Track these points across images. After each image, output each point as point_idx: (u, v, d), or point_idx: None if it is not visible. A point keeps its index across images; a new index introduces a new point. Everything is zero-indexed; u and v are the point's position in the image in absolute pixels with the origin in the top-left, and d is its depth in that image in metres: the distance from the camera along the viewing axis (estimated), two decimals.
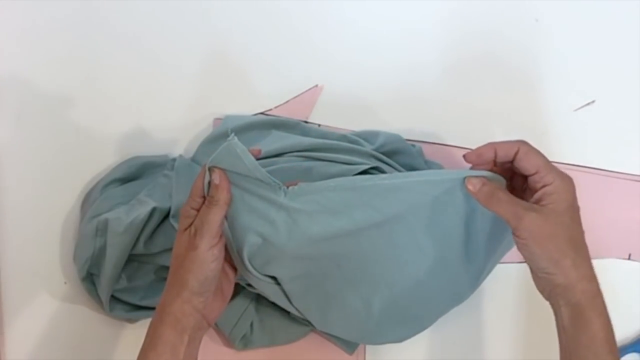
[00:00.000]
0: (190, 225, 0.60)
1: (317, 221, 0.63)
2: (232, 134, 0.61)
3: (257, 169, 0.61)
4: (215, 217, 0.60)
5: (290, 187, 0.62)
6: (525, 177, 0.61)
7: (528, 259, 0.59)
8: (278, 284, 0.66)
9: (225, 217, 0.61)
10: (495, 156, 0.61)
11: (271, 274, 0.65)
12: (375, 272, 0.66)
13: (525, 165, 0.60)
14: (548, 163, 0.60)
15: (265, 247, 0.63)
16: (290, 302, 0.68)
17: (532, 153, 0.60)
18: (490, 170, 0.63)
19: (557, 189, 0.59)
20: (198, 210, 0.61)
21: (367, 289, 0.67)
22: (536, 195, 0.59)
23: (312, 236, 0.63)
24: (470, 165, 0.63)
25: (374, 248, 0.65)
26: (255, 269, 0.64)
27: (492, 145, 0.62)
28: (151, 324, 0.61)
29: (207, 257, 0.59)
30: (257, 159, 0.71)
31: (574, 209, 0.60)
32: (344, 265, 0.65)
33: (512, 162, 0.61)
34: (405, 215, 0.64)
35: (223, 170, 0.60)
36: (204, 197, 0.61)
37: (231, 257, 0.65)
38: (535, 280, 0.60)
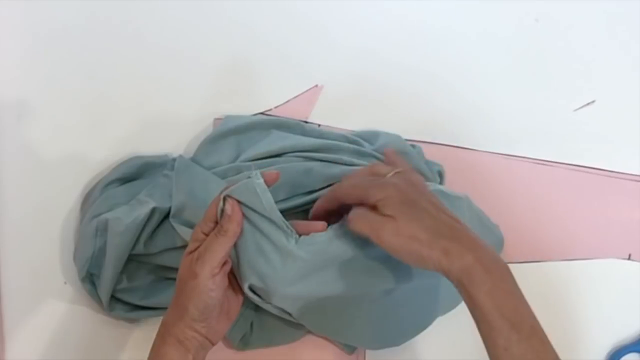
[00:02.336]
0: (195, 250, 0.60)
1: (321, 273, 0.63)
2: (256, 171, 0.60)
3: (273, 211, 0.60)
4: (220, 247, 0.59)
5: (302, 237, 0.62)
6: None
7: (410, 265, 0.59)
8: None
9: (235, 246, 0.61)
10: (328, 211, 0.65)
11: (273, 304, 0.66)
12: (374, 286, 0.67)
13: (350, 202, 0.62)
14: (362, 187, 0.61)
15: (266, 288, 0.63)
16: (290, 315, 0.69)
17: (347, 192, 0.62)
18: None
19: (383, 201, 0.59)
20: (207, 235, 0.60)
21: (364, 299, 0.68)
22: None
23: (313, 281, 0.63)
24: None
25: (374, 267, 0.65)
26: (258, 295, 0.65)
27: (318, 206, 0.65)
28: (154, 342, 0.60)
29: (206, 286, 0.59)
30: (258, 159, 0.72)
31: (409, 202, 0.59)
32: (343, 289, 0.65)
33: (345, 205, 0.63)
34: None
35: (238, 201, 0.60)
36: (216, 223, 0.60)
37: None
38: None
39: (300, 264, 0.62)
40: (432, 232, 0.58)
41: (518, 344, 0.55)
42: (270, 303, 0.65)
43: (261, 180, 0.60)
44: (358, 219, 0.60)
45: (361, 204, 0.61)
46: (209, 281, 0.59)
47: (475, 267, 0.57)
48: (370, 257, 0.64)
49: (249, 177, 0.60)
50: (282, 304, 0.66)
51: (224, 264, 0.60)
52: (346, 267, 0.64)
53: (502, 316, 0.56)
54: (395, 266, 0.64)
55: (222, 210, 0.60)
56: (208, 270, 0.59)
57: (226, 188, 0.61)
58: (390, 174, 0.62)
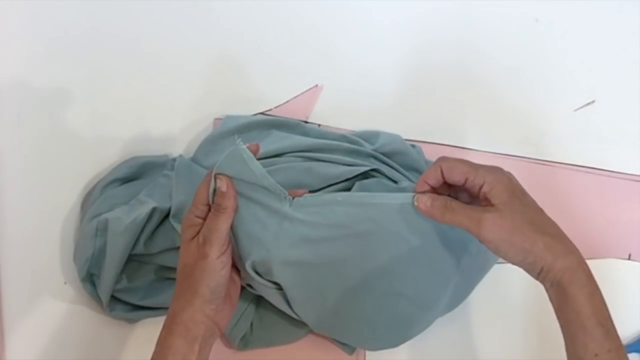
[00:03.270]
0: (197, 234, 0.60)
1: (319, 233, 0.63)
2: (238, 139, 0.60)
3: (264, 177, 0.61)
4: (223, 225, 0.60)
5: (296, 198, 0.62)
6: (467, 191, 0.61)
7: (505, 258, 0.59)
8: (280, 289, 0.66)
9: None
10: (431, 186, 0.61)
11: (273, 280, 0.65)
12: (371, 281, 0.67)
13: (454, 177, 0.60)
14: (472, 165, 0.60)
15: (267, 255, 0.63)
16: (291, 308, 0.68)
17: (454, 164, 0.60)
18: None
19: (492, 184, 0.58)
20: (203, 219, 0.60)
21: (363, 296, 0.67)
22: (481, 201, 0.59)
23: (312, 247, 0.63)
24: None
25: (371, 258, 0.65)
26: (258, 274, 0.64)
27: (422, 179, 0.62)
28: (160, 335, 0.60)
29: (217, 265, 0.59)
30: (258, 159, 0.72)
31: (518, 194, 0.59)
32: (341, 272, 0.65)
33: (445, 181, 0.61)
34: (403, 231, 0.64)
35: (229, 177, 0.60)
36: (209, 205, 0.61)
37: (235, 262, 0.65)
38: (523, 269, 0.60)
39: (298, 226, 0.62)
40: (537, 226, 0.58)
41: (609, 352, 0.56)
42: (272, 282, 0.65)
43: (245, 147, 0.60)
44: (454, 209, 0.59)
45: (461, 186, 0.60)
46: (218, 260, 0.59)
47: (579, 268, 0.57)
48: (380, 230, 0.63)
49: (234, 146, 0.60)
50: (283, 277, 0.65)
51: (229, 242, 0.61)
52: (352, 237, 0.63)
53: (599, 323, 0.56)
54: (396, 220, 0.63)
55: (215, 190, 0.60)
56: (217, 249, 0.59)
57: (212, 170, 0.61)
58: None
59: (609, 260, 0.77)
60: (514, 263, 0.59)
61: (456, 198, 0.62)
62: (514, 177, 0.60)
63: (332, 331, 0.71)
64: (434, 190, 0.62)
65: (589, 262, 0.76)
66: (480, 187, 0.59)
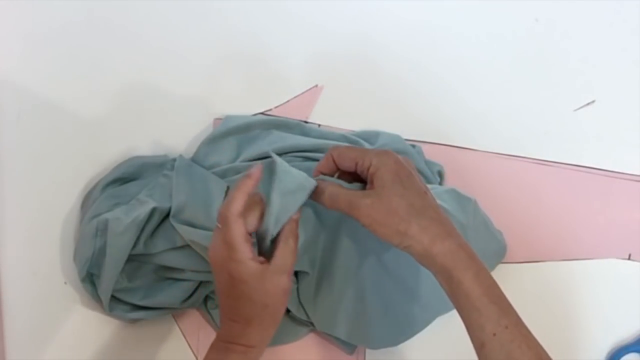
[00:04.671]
0: (263, 263, 0.58)
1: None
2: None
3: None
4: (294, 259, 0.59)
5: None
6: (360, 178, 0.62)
7: (387, 242, 0.58)
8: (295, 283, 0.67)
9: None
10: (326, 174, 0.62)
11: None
12: (373, 279, 0.67)
13: (345, 164, 0.61)
14: (362, 150, 0.60)
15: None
16: (300, 303, 0.69)
17: (343, 151, 0.61)
18: None
19: (377, 167, 0.58)
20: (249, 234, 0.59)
21: (365, 294, 0.68)
22: (368, 184, 0.59)
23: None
24: None
25: (372, 255, 0.65)
26: None
27: (317, 170, 0.62)
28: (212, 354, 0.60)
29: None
30: (258, 159, 0.72)
31: (402, 176, 0.59)
32: (349, 270, 0.65)
33: (338, 169, 0.62)
34: None
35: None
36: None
37: None
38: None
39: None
40: (415, 209, 0.57)
41: (506, 329, 0.55)
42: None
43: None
44: (334, 195, 0.59)
45: (350, 173, 0.61)
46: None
47: (459, 250, 0.56)
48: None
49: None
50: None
51: None
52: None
53: (491, 302, 0.56)
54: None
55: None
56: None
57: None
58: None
59: (609, 260, 0.77)
60: (395, 247, 0.58)
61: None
62: (405, 160, 0.60)
63: (333, 329, 0.71)
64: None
65: (589, 262, 0.77)
66: (368, 169, 0.59)
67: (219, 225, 0.58)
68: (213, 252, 0.59)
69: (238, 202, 0.57)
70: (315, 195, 0.61)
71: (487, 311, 0.55)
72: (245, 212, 0.58)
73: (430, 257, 0.56)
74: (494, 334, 0.55)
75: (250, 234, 0.59)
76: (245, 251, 0.57)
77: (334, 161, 0.61)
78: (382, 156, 0.59)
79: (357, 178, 0.62)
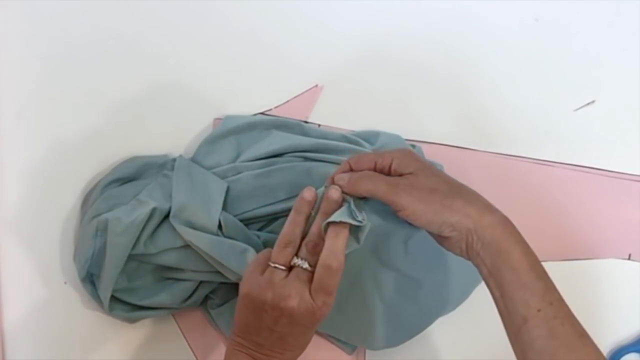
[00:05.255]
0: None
1: None
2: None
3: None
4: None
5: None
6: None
7: (428, 226, 0.57)
8: None
9: None
10: (342, 187, 0.61)
11: None
12: (374, 280, 0.67)
13: (364, 166, 0.61)
14: (378, 152, 0.61)
15: None
16: None
17: (360, 156, 0.61)
18: None
19: (400, 158, 0.59)
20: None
21: (366, 295, 0.68)
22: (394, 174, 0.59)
23: None
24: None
25: (375, 256, 0.65)
26: None
27: (330, 180, 0.62)
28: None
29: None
30: (258, 159, 0.72)
31: (427, 164, 0.60)
32: (351, 270, 0.65)
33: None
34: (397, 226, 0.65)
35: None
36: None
37: None
38: (448, 245, 0.58)
39: None
40: (455, 187, 0.57)
41: (551, 305, 0.55)
42: None
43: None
44: (364, 178, 0.58)
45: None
46: None
47: (508, 224, 0.56)
48: (383, 231, 0.64)
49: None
50: None
51: None
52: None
53: (537, 277, 0.55)
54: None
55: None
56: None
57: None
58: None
59: (609, 260, 0.77)
60: (439, 229, 0.57)
61: None
62: (416, 153, 0.62)
63: (334, 329, 0.71)
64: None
65: (589, 262, 0.77)
66: (390, 166, 0.59)
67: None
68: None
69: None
70: (342, 181, 0.60)
71: (534, 286, 0.55)
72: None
73: (479, 230, 0.55)
74: (539, 310, 0.54)
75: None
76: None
77: (350, 168, 0.61)
78: (402, 150, 0.60)
79: None
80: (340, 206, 0.59)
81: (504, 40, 0.78)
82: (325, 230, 0.58)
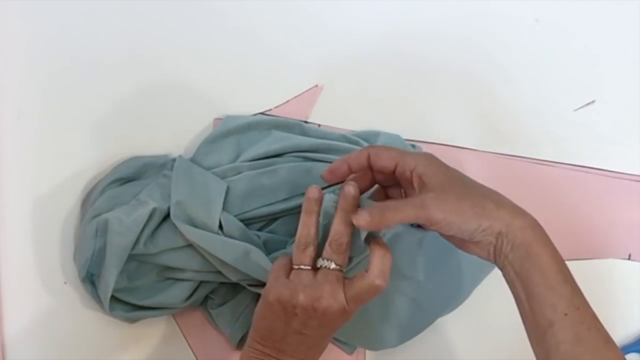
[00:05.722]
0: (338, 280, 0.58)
1: None
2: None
3: None
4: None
5: None
6: (398, 185, 0.60)
7: (461, 233, 0.56)
8: None
9: None
10: (350, 168, 0.60)
11: None
12: None
13: (383, 163, 0.58)
14: (401, 151, 0.59)
15: None
16: None
17: (382, 150, 0.59)
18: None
19: (425, 165, 0.57)
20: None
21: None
22: (416, 185, 0.57)
23: None
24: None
25: None
26: None
27: (343, 158, 0.60)
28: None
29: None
30: (258, 159, 0.72)
31: (451, 170, 0.58)
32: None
33: (371, 169, 0.60)
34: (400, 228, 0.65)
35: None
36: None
37: None
38: (474, 249, 0.58)
39: None
40: (482, 192, 0.56)
41: (578, 310, 0.54)
42: None
43: None
44: (388, 211, 0.56)
45: (389, 173, 0.59)
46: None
47: (538, 226, 0.55)
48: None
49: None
50: None
51: None
52: None
53: (565, 281, 0.55)
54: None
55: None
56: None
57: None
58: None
59: (609, 260, 0.77)
60: (471, 236, 0.56)
61: (386, 196, 0.62)
62: (436, 158, 0.59)
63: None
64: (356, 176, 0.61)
65: (589, 262, 0.77)
66: (412, 171, 0.57)
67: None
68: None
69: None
70: (365, 221, 0.56)
71: (562, 290, 0.54)
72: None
73: (510, 233, 0.55)
74: (566, 314, 0.54)
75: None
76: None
77: (368, 158, 0.59)
78: (426, 156, 0.58)
79: (369, 184, 0.61)
80: (357, 200, 0.58)
81: (504, 40, 0.78)
82: (367, 240, 0.58)
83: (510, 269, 0.56)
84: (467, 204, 0.55)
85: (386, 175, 0.60)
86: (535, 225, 0.56)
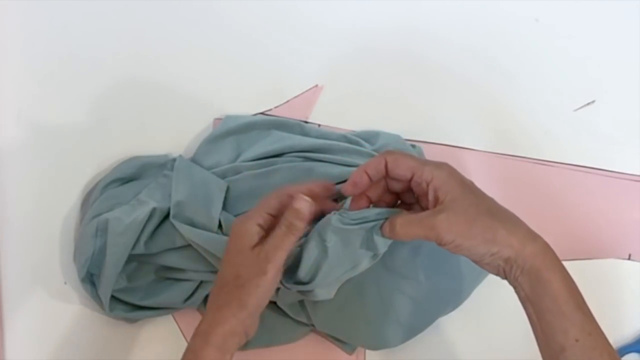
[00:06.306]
0: (257, 245, 0.58)
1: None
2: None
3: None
4: (290, 246, 0.58)
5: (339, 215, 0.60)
6: (411, 190, 0.60)
7: (470, 255, 0.56)
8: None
9: None
10: (370, 177, 0.59)
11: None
12: (375, 279, 0.67)
13: (400, 172, 0.58)
14: (419, 160, 0.58)
15: (319, 274, 0.62)
16: (300, 303, 0.69)
17: (400, 158, 0.58)
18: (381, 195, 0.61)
19: (442, 178, 0.56)
20: (264, 229, 0.59)
21: (367, 294, 0.68)
22: (430, 198, 0.57)
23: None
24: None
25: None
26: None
27: (361, 168, 0.59)
28: (193, 343, 0.58)
29: (272, 283, 0.58)
30: (258, 159, 0.72)
31: (469, 185, 0.57)
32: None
33: (388, 176, 0.59)
34: None
35: (312, 202, 0.58)
36: (273, 216, 0.59)
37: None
38: (487, 268, 0.57)
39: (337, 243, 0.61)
40: (495, 215, 0.55)
41: (589, 336, 0.54)
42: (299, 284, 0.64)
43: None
44: (406, 226, 0.56)
45: (405, 181, 0.58)
46: (274, 279, 0.58)
47: (549, 252, 0.55)
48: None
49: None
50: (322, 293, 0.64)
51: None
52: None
53: (576, 306, 0.54)
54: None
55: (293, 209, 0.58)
56: (277, 268, 0.58)
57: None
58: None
59: (609, 260, 0.77)
60: (480, 259, 0.56)
61: (399, 200, 0.61)
62: (455, 170, 0.58)
63: (334, 329, 0.71)
64: (371, 185, 0.60)
65: (588, 262, 0.77)
66: (428, 183, 0.57)
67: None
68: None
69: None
70: (386, 230, 0.58)
71: (573, 316, 0.54)
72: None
73: (520, 259, 0.55)
74: (577, 340, 0.54)
75: None
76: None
77: (386, 166, 0.58)
78: (443, 167, 0.57)
79: (381, 192, 0.60)
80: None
81: (504, 40, 0.78)
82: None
83: (521, 291, 0.56)
84: (478, 228, 0.55)
85: (401, 183, 0.60)
86: (546, 251, 0.55)
